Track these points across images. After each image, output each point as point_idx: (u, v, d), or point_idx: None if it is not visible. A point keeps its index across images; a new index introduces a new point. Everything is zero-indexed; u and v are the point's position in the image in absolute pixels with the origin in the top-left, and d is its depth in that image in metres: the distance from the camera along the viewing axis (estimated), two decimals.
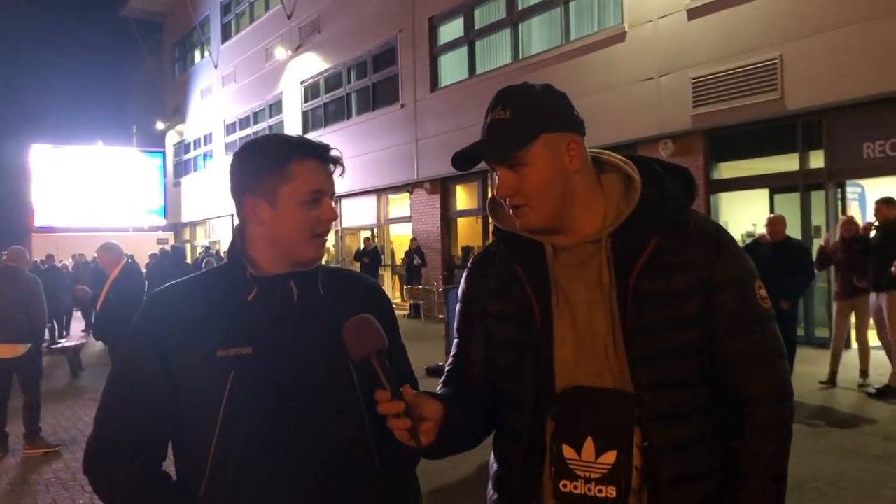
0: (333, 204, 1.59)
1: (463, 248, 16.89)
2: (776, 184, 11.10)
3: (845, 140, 9.94)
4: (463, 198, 17.22)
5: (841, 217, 8.92)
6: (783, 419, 1.49)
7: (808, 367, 8.45)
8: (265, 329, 1.51)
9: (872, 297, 7.66)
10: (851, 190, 10.78)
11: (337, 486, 1.52)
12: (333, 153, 1.57)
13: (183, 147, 33.46)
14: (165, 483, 1.54)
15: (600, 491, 1.41)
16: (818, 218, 10.45)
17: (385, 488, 1.61)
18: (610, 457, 1.41)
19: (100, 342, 8.84)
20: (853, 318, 8.03)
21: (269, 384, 1.48)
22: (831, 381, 7.94)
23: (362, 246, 18.74)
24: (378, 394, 1.37)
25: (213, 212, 28.33)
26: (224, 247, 25.64)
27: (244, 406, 1.46)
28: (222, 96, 28.37)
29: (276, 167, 1.51)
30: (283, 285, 1.54)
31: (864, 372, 7.85)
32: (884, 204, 7.77)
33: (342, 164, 1.60)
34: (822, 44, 9.68)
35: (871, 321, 7.81)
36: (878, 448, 5.81)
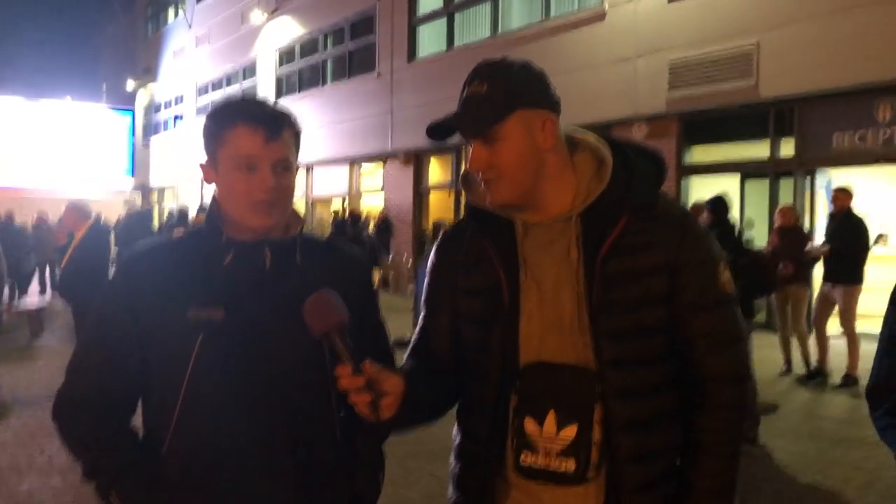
0: (287, 172, 1.54)
1: (434, 223, 16.84)
2: (747, 170, 11.22)
3: (816, 129, 10.05)
4: (436, 171, 17.16)
5: (779, 206, 8.86)
6: (740, 399, 1.53)
7: (771, 352, 8.59)
8: (237, 294, 1.52)
9: (826, 287, 7.72)
10: (820, 179, 10.93)
11: (300, 454, 1.54)
12: (279, 120, 1.53)
13: (153, 107, 32.88)
14: (130, 437, 1.56)
15: (560, 464, 1.44)
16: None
17: (348, 460, 1.63)
18: (571, 431, 1.44)
19: (59, 303, 8.71)
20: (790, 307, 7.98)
21: (237, 348, 1.49)
22: (787, 367, 8.05)
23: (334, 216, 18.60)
24: (338, 369, 1.37)
25: (182, 174, 27.94)
26: (192, 211, 25.36)
27: (211, 369, 1.47)
28: (195, 57, 27.86)
29: (217, 132, 1.53)
30: (258, 251, 1.55)
31: (806, 361, 7.84)
32: (842, 192, 7.78)
33: (285, 131, 1.54)
34: (798, 33, 9.74)
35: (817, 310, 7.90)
36: (832, 432, 5.97)
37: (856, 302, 7.59)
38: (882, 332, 1.78)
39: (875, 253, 12.03)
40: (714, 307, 1.51)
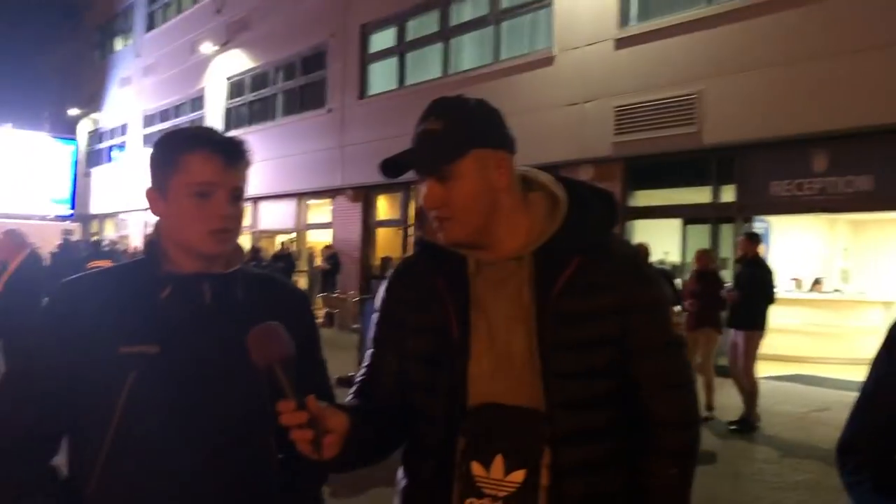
0: (240, 202, 1.53)
1: (382, 259, 16.78)
2: (689, 214, 11.48)
3: (755, 177, 10.35)
4: (385, 208, 17.14)
5: (697, 250, 8.89)
6: (689, 444, 1.53)
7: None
8: (174, 329, 1.46)
9: (732, 332, 7.75)
10: (759, 226, 11.24)
11: (238, 496, 1.48)
12: (240, 147, 1.52)
13: (98, 136, 32.23)
14: (51, 478, 1.48)
15: None
16: (726, 250, 10.83)
17: (288, 502, 1.58)
18: (518, 475, 1.40)
19: None
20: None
21: (172, 386, 1.43)
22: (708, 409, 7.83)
23: (278, 249, 18.41)
24: (280, 404, 1.31)
25: (124, 205, 27.36)
26: (133, 242, 24.79)
27: (145, 407, 1.41)
28: (142, 87, 27.49)
29: (170, 158, 1.48)
30: (197, 285, 1.50)
31: (708, 406, 7.74)
32: (748, 239, 7.86)
33: (245, 158, 1.53)
34: (739, 82, 10.06)
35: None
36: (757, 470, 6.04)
37: (755, 347, 7.60)
38: (865, 384, 1.55)
39: (797, 297, 12.40)
40: (663, 350, 1.51)
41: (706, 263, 8.14)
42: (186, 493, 1.44)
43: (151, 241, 1.57)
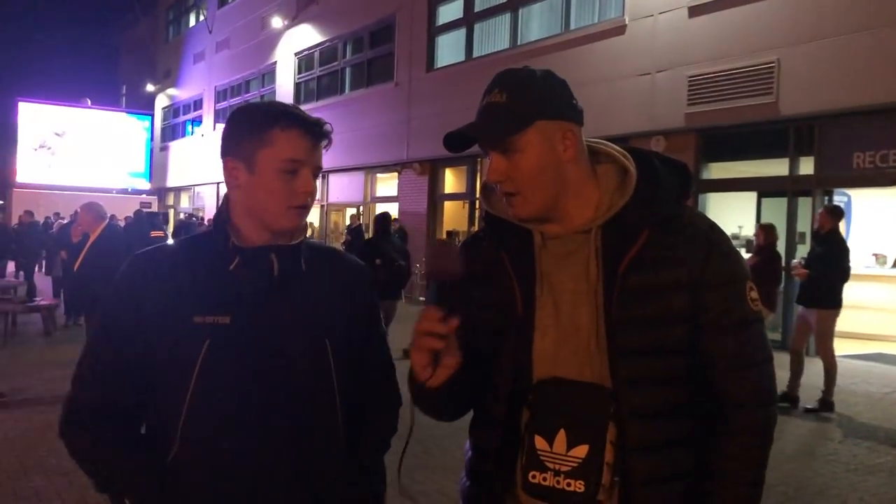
0: (317, 179, 1.57)
1: (448, 232, 16.83)
2: (765, 187, 11.14)
3: (836, 148, 9.97)
4: (451, 181, 17.15)
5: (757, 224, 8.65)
6: (765, 424, 1.47)
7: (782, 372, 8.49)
8: (244, 300, 1.51)
9: (800, 309, 7.53)
10: (839, 199, 10.83)
11: (304, 462, 1.53)
12: (325, 128, 1.55)
13: (172, 111, 33.12)
14: (141, 445, 1.53)
15: (569, 484, 1.39)
16: (804, 224, 10.49)
17: (352, 469, 1.62)
18: (581, 451, 1.39)
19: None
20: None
21: (244, 355, 1.48)
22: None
23: (349, 223, 18.65)
24: (431, 309, 1.37)
25: (198, 178, 28.09)
26: (208, 214, 25.44)
27: (218, 374, 1.46)
28: (215, 62, 28.05)
29: (259, 132, 1.50)
30: (263, 257, 1.54)
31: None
32: (828, 213, 7.54)
33: (329, 138, 1.57)
34: (819, 50, 9.67)
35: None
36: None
37: (831, 326, 7.35)
38: None
39: (878, 273, 11.92)
40: (738, 327, 1.45)
41: (770, 238, 7.89)
42: (260, 458, 1.49)
43: (219, 214, 1.60)
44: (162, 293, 1.50)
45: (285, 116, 1.51)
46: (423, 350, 1.38)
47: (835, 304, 7.33)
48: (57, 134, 31.14)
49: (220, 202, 1.61)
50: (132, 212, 16.78)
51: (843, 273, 7.35)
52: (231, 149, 1.54)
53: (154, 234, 12.84)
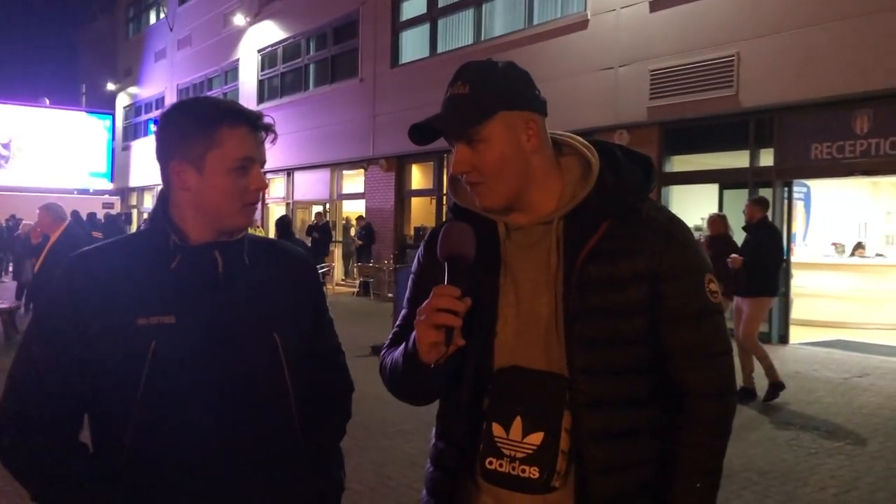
0: (266, 173, 1.57)
1: (416, 228, 16.84)
2: (726, 179, 11.30)
3: (794, 140, 10.15)
4: (418, 177, 17.14)
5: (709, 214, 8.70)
6: (723, 414, 1.50)
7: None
8: (188, 298, 1.48)
9: (736, 299, 7.51)
10: (798, 189, 11.03)
11: (261, 452, 1.53)
12: (266, 121, 1.54)
13: (134, 110, 32.63)
14: (82, 454, 1.48)
15: (524, 471, 1.41)
16: (772, 215, 10.63)
17: (309, 457, 1.63)
18: (536, 438, 1.41)
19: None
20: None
21: (192, 353, 1.46)
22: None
23: (314, 221, 18.56)
24: (447, 287, 1.37)
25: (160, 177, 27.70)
26: None
27: (167, 375, 1.43)
28: (177, 60, 27.70)
29: (205, 132, 1.47)
30: (207, 254, 1.52)
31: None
32: (752, 204, 7.64)
33: (274, 132, 1.56)
34: (778, 43, 9.84)
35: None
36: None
37: (760, 313, 7.44)
38: None
39: (837, 262, 12.14)
40: (696, 319, 1.48)
41: (719, 228, 7.99)
42: (216, 452, 1.47)
43: (157, 213, 1.56)
44: (102, 296, 1.44)
45: (231, 115, 1.49)
46: (437, 327, 1.37)
47: (770, 291, 7.46)
48: (3, 145, 30.50)
49: (157, 201, 1.58)
50: (97, 213, 16.52)
51: (775, 260, 7.50)
52: (175, 152, 1.49)
53: (94, 234, 12.50)
